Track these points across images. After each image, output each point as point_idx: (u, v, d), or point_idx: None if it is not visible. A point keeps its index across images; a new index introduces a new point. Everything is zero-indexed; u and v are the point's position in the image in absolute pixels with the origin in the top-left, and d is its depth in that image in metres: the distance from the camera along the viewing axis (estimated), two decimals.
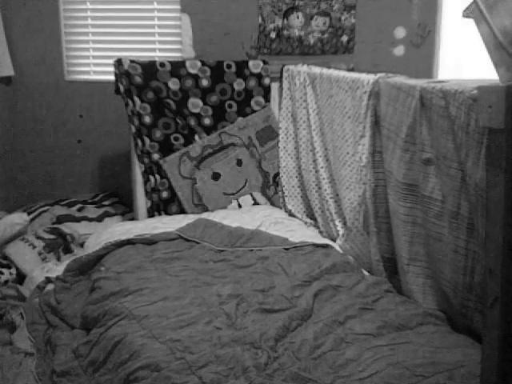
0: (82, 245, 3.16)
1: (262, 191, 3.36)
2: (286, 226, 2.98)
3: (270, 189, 3.37)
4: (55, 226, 3.34)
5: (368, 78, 2.55)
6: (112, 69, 3.14)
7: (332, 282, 2.24)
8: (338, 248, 2.70)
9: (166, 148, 3.21)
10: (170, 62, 3.20)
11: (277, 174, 3.36)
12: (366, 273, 2.46)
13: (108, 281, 2.31)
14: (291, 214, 3.26)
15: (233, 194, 3.32)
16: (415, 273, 2.23)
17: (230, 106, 3.29)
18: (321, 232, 3.06)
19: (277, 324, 1.90)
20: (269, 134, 3.34)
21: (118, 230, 2.94)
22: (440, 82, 2.08)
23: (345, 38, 3.59)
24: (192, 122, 3.23)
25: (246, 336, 1.84)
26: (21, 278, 2.94)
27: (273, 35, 3.59)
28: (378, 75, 2.51)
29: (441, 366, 1.64)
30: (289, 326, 1.92)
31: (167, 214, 3.24)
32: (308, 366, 1.70)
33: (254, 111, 3.33)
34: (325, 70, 2.96)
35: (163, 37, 3.73)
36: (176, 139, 3.23)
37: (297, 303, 2.07)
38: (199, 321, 1.95)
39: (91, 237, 3.03)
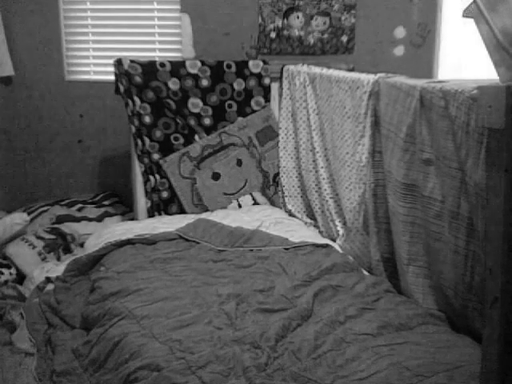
0: (81, 245, 3.16)
1: (262, 191, 3.36)
2: (286, 226, 2.98)
3: (270, 189, 3.37)
4: (55, 225, 3.34)
5: (368, 78, 2.55)
6: (112, 69, 3.14)
7: (332, 281, 2.24)
8: (338, 248, 2.70)
9: (166, 148, 3.21)
10: (170, 61, 3.20)
11: (277, 174, 3.36)
12: (365, 273, 2.46)
13: (108, 281, 2.31)
14: (291, 214, 3.26)
15: (233, 194, 3.31)
16: (415, 273, 2.22)
17: (230, 106, 3.29)
18: (321, 232, 3.06)
19: (277, 324, 1.90)
20: (269, 134, 3.34)
21: (118, 229, 2.94)
22: (440, 81, 2.08)
23: (345, 38, 3.58)
24: (192, 121, 3.23)
25: (246, 336, 1.84)
26: (21, 277, 2.94)
27: (273, 35, 3.59)
28: (378, 75, 2.51)
29: (441, 366, 1.64)
30: (289, 326, 1.92)
31: (167, 214, 3.24)
32: (308, 365, 1.70)
33: (253, 111, 3.32)
34: (325, 70, 2.96)
35: (163, 37, 3.73)
36: (176, 139, 3.23)
37: (297, 303, 2.07)
38: (199, 321, 1.95)
39: (91, 237, 3.03)
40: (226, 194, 3.30)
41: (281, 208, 3.33)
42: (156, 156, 3.20)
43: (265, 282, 2.25)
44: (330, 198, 2.95)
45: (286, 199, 3.31)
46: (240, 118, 3.31)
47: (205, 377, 1.63)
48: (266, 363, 1.71)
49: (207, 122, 3.26)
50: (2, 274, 2.89)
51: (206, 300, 2.09)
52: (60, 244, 3.17)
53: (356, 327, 1.90)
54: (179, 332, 1.86)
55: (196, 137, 3.25)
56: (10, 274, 2.93)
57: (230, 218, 3.04)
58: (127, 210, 3.68)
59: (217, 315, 1.98)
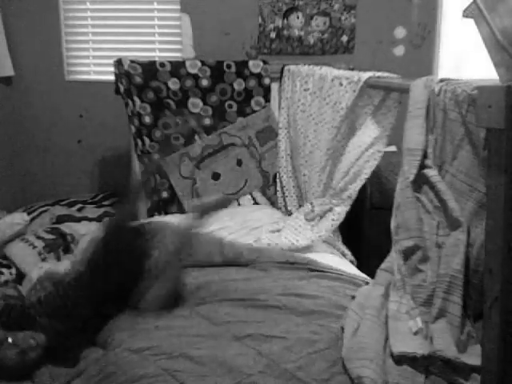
0: None
1: (262, 191, 3.36)
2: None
3: (270, 189, 3.37)
4: (55, 225, 3.33)
5: (364, 75, 2.54)
6: (112, 69, 3.14)
7: None
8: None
9: (166, 148, 3.21)
10: (170, 61, 3.20)
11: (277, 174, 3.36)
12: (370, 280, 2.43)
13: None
14: (291, 215, 3.25)
15: (233, 194, 3.31)
16: None
17: (230, 106, 3.29)
18: None
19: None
20: (269, 134, 3.34)
21: None
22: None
23: (345, 38, 3.59)
24: (192, 122, 3.23)
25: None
26: (21, 277, 2.94)
27: (273, 35, 3.59)
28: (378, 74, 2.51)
29: None
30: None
31: (167, 214, 3.24)
32: (303, 363, 1.67)
33: (254, 111, 3.33)
34: (323, 70, 2.95)
35: (163, 37, 3.73)
36: (176, 139, 3.23)
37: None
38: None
39: (84, 237, 2.99)
40: (225, 194, 3.30)
41: (281, 209, 3.32)
42: (156, 156, 3.20)
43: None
44: None
45: (287, 200, 3.30)
46: (240, 118, 3.31)
47: (187, 378, 1.60)
48: (255, 360, 1.68)
49: (207, 122, 3.26)
50: (2, 274, 2.89)
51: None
52: (60, 244, 3.17)
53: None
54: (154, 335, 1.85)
55: (196, 137, 3.25)
56: (10, 273, 2.93)
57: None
58: None
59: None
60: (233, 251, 2.49)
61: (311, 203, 2.84)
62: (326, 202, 2.75)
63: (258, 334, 1.81)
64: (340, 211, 2.71)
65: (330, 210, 2.74)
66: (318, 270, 2.34)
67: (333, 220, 2.72)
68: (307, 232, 2.73)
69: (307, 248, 2.67)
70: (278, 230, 2.78)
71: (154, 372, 1.63)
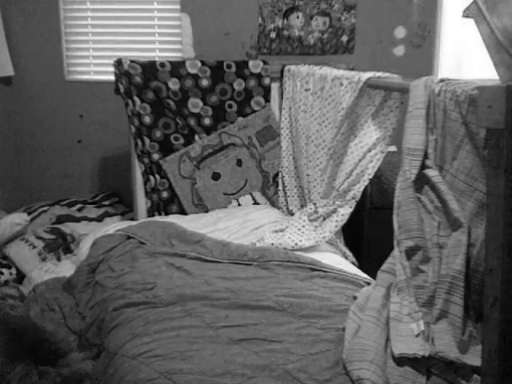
0: None
1: (262, 191, 3.36)
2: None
3: (270, 189, 3.37)
4: (55, 225, 3.34)
5: (365, 75, 2.54)
6: (112, 69, 3.14)
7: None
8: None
9: (166, 148, 3.21)
10: (169, 62, 3.20)
11: (277, 174, 3.36)
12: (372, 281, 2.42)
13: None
14: (292, 215, 3.24)
15: (233, 194, 3.31)
16: None
17: (230, 106, 3.29)
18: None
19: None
20: (269, 134, 3.34)
21: (112, 231, 2.89)
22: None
23: (345, 38, 3.59)
24: (192, 121, 3.23)
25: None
26: (21, 277, 2.94)
27: (273, 35, 3.59)
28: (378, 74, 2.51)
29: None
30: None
31: (167, 214, 3.24)
32: (304, 364, 1.67)
33: (254, 111, 3.32)
34: (323, 70, 2.95)
35: (163, 37, 3.73)
36: (176, 139, 3.23)
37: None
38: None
39: (86, 237, 2.98)
40: (225, 193, 3.30)
41: (281, 209, 3.32)
42: (156, 156, 3.20)
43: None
44: None
45: (289, 199, 3.30)
46: (240, 118, 3.30)
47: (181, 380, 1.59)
48: (254, 359, 1.68)
49: (207, 122, 3.26)
50: (2, 274, 2.89)
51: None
52: (60, 244, 3.17)
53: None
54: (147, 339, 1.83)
55: (196, 137, 3.25)
56: (10, 274, 2.94)
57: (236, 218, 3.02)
58: (127, 210, 3.68)
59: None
60: (237, 250, 2.50)
61: (314, 204, 2.84)
62: (329, 203, 2.75)
63: (258, 335, 1.81)
64: (344, 212, 2.71)
65: (334, 211, 2.74)
66: (320, 270, 2.34)
67: (336, 221, 2.72)
68: (311, 233, 2.73)
69: (310, 248, 2.67)
70: (282, 230, 2.78)
71: (149, 376, 1.60)
